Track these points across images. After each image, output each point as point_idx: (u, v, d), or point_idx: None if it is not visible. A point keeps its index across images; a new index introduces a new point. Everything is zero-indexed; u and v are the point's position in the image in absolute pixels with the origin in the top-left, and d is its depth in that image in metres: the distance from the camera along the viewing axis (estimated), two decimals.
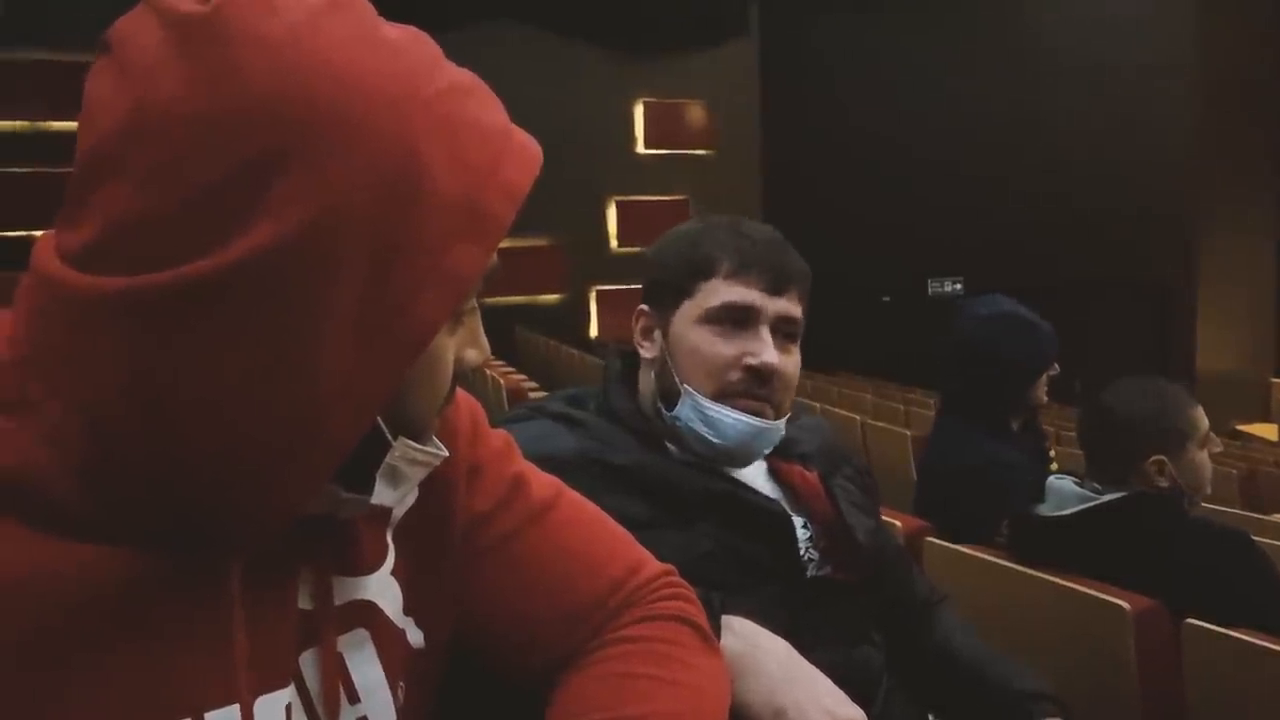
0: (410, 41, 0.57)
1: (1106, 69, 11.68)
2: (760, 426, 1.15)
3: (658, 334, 1.21)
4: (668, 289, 1.20)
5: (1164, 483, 1.78)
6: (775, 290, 1.16)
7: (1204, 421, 1.83)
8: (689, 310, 1.18)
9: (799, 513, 1.19)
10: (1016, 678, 1.24)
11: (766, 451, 1.20)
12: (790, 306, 1.17)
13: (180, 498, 0.54)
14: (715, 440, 1.15)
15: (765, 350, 1.14)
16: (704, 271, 1.17)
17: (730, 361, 1.15)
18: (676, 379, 1.17)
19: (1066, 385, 1.98)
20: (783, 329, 1.17)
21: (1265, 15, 11.95)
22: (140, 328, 0.50)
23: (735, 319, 1.15)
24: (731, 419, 1.14)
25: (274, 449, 0.53)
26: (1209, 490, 1.87)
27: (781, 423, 1.18)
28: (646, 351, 1.22)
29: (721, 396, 1.15)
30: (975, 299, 2.55)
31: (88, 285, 0.51)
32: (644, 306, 1.24)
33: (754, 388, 1.15)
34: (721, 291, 1.16)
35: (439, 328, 0.57)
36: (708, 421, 1.15)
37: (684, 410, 1.16)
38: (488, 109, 0.60)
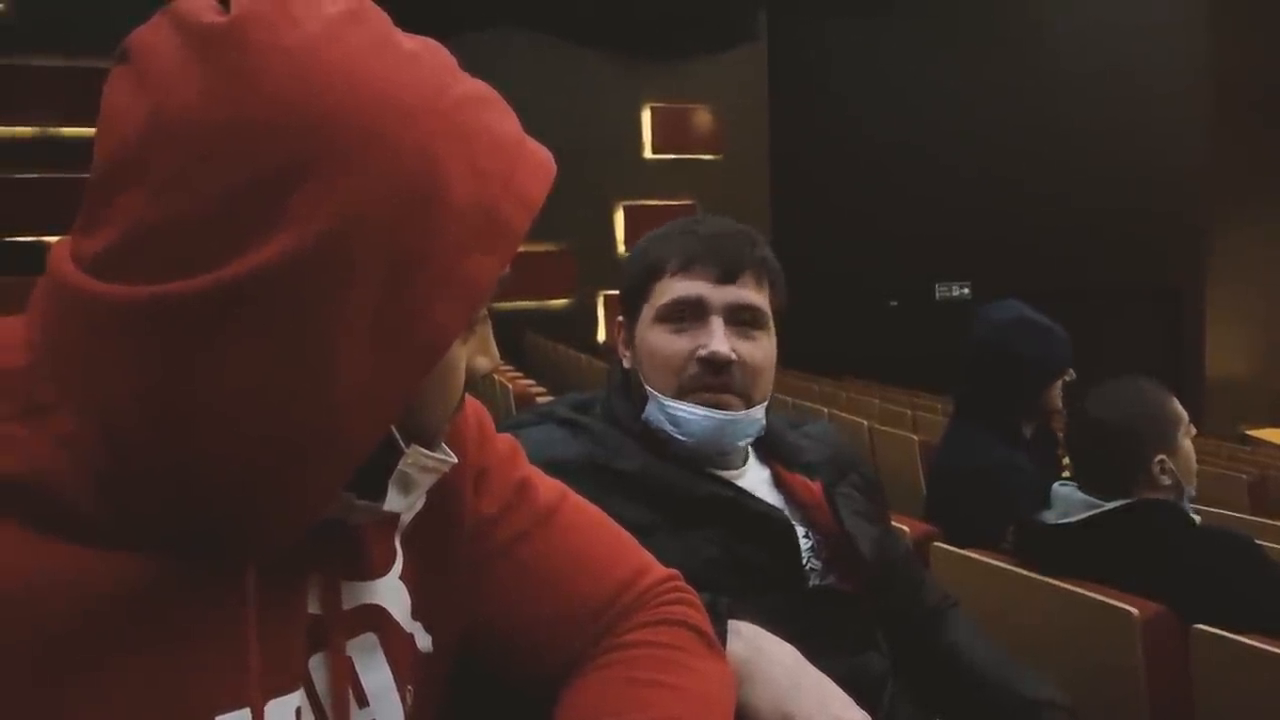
0: (426, 51, 0.58)
1: (1117, 72, 11.64)
2: (723, 418, 1.15)
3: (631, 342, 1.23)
4: (632, 296, 1.22)
5: (1167, 480, 1.78)
6: (725, 279, 1.16)
7: (1182, 409, 1.84)
8: (647, 313, 1.20)
9: (801, 522, 1.19)
10: (1026, 684, 1.23)
11: (741, 443, 1.20)
12: (744, 294, 1.17)
13: (196, 503, 0.55)
14: (682, 438, 1.16)
15: (714, 340, 1.14)
16: (655, 273, 1.19)
17: (685, 355, 1.16)
18: (643, 382, 1.19)
19: (1082, 391, 1.98)
20: (739, 317, 1.17)
21: (1278, 19, 11.90)
22: (156, 334, 0.51)
23: (686, 313, 1.17)
24: (693, 415, 1.15)
25: (290, 456, 0.53)
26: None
27: (755, 411, 1.18)
28: (627, 361, 1.24)
29: (682, 393, 1.16)
30: (990, 303, 2.55)
31: (104, 292, 0.51)
32: (620, 318, 1.26)
33: (710, 378, 1.15)
34: (671, 288, 1.17)
35: (455, 337, 0.57)
36: (673, 420, 1.16)
37: (651, 412, 1.17)
38: (502, 118, 0.61)
